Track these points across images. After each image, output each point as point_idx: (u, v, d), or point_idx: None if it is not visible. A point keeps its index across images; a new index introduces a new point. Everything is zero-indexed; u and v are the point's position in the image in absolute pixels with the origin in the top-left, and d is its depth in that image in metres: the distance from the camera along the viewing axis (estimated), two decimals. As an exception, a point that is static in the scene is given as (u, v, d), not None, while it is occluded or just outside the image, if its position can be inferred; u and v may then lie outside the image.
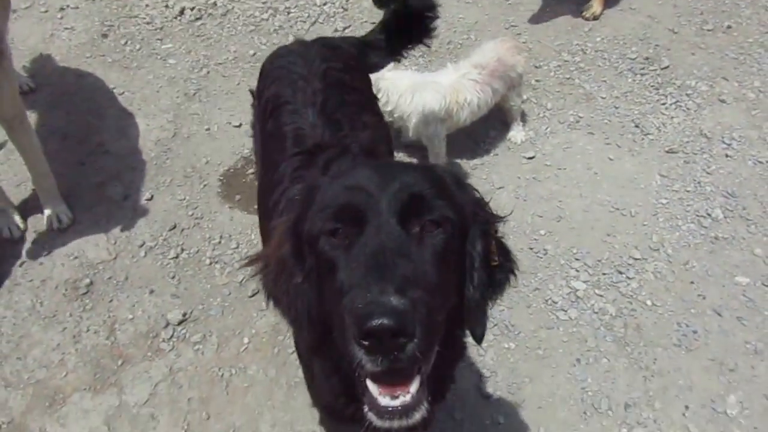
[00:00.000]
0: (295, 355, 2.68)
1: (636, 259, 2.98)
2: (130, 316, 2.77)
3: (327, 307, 1.28)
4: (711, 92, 3.75)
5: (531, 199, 3.25)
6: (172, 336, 2.71)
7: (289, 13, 4.24)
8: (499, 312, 2.79)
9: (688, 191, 3.24)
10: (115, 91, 3.60)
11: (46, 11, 4.19)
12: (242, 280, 2.90)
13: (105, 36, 4.00)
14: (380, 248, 1.15)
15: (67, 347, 2.67)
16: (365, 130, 2.02)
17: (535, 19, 4.19)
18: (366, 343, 1.03)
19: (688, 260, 2.96)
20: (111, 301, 2.81)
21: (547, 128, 3.57)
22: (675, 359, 2.65)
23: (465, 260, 1.33)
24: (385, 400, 1.13)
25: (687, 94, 3.72)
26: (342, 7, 4.29)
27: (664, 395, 2.55)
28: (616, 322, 2.78)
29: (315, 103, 1.98)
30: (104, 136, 3.36)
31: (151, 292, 2.85)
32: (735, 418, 2.48)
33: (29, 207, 3.06)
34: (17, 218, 2.95)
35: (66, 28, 4.06)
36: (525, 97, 3.67)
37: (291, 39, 3.91)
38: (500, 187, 3.30)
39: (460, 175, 1.36)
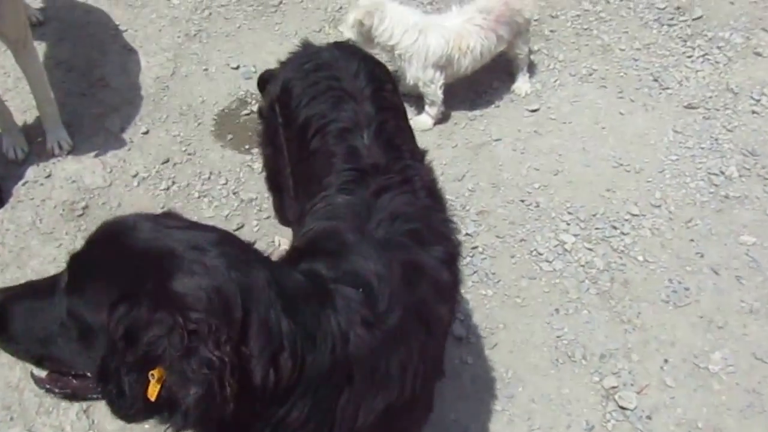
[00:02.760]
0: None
1: (634, 215, 3.07)
2: (118, 241, 3.13)
3: None
4: (746, 45, 3.74)
5: (529, 152, 3.37)
6: (154, 261, 3.05)
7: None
8: (480, 260, 2.96)
9: (702, 148, 3.28)
10: (119, 27, 3.95)
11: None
12: (228, 214, 3.21)
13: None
14: None
15: (63, 262, 3.03)
16: (424, 161, 1.97)
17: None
18: None
19: (692, 218, 3.03)
20: (102, 225, 3.19)
21: (556, 80, 3.66)
22: (661, 315, 2.74)
23: None
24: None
25: (718, 47, 3.73)
26: None
27: (643, 348, 2.66)
28: (602, 276, 2.88)
29: (370, 125, 1.88)
30: (106, 71, 3.72)
31: (140, 219, 3.20)
32: (717, 373, 2.55)
33: (33, 133, 3.45)
34: (22, 141, 3.35)
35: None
36: (536, 48, 3.77)
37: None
38: (498, 139, 3.44)
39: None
